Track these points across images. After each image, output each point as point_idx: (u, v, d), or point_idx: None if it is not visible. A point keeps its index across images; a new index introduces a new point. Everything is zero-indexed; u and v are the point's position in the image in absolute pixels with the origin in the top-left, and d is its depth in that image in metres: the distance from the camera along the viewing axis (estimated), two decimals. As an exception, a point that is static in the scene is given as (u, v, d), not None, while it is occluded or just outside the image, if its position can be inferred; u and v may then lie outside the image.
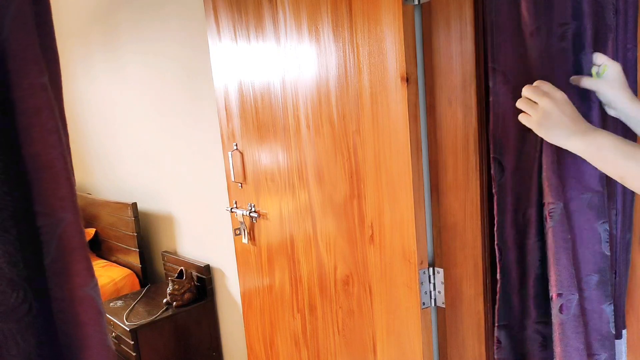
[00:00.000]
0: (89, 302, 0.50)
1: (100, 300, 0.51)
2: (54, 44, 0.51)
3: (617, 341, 1.04)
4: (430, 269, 1.15)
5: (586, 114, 0.87)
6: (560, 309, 0.90)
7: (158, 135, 2.62)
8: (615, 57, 0.90)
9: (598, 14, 0.90)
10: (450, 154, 1.07)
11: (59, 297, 0.48)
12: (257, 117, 1.55)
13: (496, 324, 1.01)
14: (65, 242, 0.48)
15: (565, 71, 0.89)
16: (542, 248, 0.96)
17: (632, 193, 1.00)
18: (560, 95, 0.79)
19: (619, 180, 0.78)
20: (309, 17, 1.26)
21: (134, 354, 2.20)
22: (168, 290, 2.37)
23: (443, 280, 1.14)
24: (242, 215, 1.71)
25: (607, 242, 0.91)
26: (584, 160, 0.81)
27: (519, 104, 0.83)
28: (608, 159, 0.75)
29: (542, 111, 0.79)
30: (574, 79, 0.88)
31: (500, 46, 0.91)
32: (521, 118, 0.84)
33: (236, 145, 1.68)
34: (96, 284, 0.51)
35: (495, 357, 1.02)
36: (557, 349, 0.90)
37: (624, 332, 1.05)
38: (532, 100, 0.81)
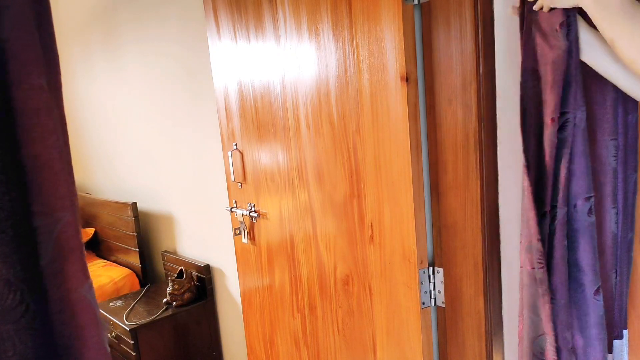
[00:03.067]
0: (84, 303, 0.49)
1: (95, 301, 0.51)
2: (54, 44, 0.51)
3: (618, 341, 1.04)
4: (430, 268, 1.15)
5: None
6: (595, 294, 0.92)
7: (158, 134, 2.62)
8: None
9: None
10: (450, 154, 1.07)
11: (55, 298, 0.48)
12: (257, 117, 1.54)
13: (555, 344, 0.94)
14: (62, 242, 0.48)
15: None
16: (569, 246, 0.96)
17: (634, 192, 1.00)
18: None
19: (609, 44, 0.79)
20: (308, 17, 1.26)
21: (133, 354, 2.20)
22: (168, 290, 2.37)
23: (443, 280, 1.14)
24: (242, 215, 1.71)
25: (615, 223, 0.97)
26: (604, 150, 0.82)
27: None
28: (610, 17, 0.77)
29: None
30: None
31: (534, 40, 0.88)
32: None
33: (236, 145, 1.68)
34: (91, 285, 0.51)
35: None
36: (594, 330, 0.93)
37: (625, 332, 1.05)
38: None
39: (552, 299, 0.95)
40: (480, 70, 1.00)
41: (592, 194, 0.91)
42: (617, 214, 0.98)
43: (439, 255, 1.14)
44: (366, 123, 1.16)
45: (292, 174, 1.44)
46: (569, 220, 0.94)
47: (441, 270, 1.14)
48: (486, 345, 1.10)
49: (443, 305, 1.15)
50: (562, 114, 0.88)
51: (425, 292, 1.15)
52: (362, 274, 1.28)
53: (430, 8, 1.03)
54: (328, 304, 1.42)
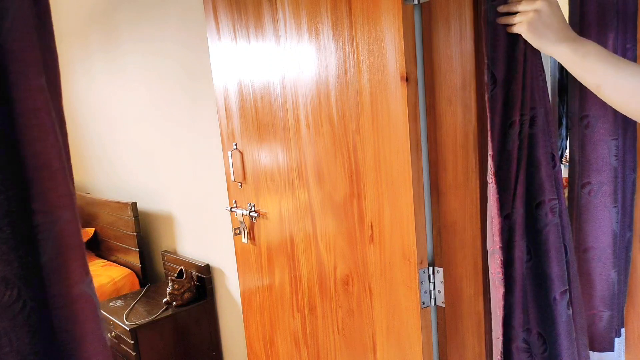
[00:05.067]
0: (85, 298, 0.50)
1: (96, 296, 0.52)
2: (53, 44, 0.51)
3: (615, 339, 1.04)
4: (430, 268, 1.15)
5: None
6: (569, 304, 0.91)
7: (158, 134, 2.62)
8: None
9: (599, 15, 0.90)
10: (450, 154, 1.07)
11: (56, 294, 0.49)
12: (257, 117, 1.55)
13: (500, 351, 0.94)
14: (62, 240, 0.48)
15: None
16: (530, 247, 0.96)
17: (632, 191, 1.00)
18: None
19: (594, 90, 0.78)
20: (308, 16, 1.26)
21: (133, 354, 2.20)
22: (168, 290, 2.37)
23: (443, 280, 1.14)
24: (242, 214, 1.71)
25: (617, 222, 0.96)
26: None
27: (514, 19, 0.83)
28: (591, 66, 0.76)
29: (534, 11, 0.79)
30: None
31: (495, 45, 0.90)
32: (514, 29, 0.84)
33: (236, 144, 1.68)
34: (91, 281, 0.52)
35: None
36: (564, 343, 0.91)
37: (623, 330, 1.05)
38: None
39: (508, 302, 0.95)
40: (481, 70, 1.00)
41: (554, 197, 0.92)
42: (617, 213, 0.98)
43: (438, 255, 1.14)
44: (366, 123, 1.16)
45: (292, 174, 1.44)
46: (532, 220, 0.94)
47: (441, 270, 1.14)
48: (486, 345, 1.10)
49: (443, 305, 1.16)
50: (521, 115, 0.90)
51: (425, 292, 1.15)
52: (362, 273, 1.28)
53: (430, 8, 1.03)
54: (328, 303, 1.42)
